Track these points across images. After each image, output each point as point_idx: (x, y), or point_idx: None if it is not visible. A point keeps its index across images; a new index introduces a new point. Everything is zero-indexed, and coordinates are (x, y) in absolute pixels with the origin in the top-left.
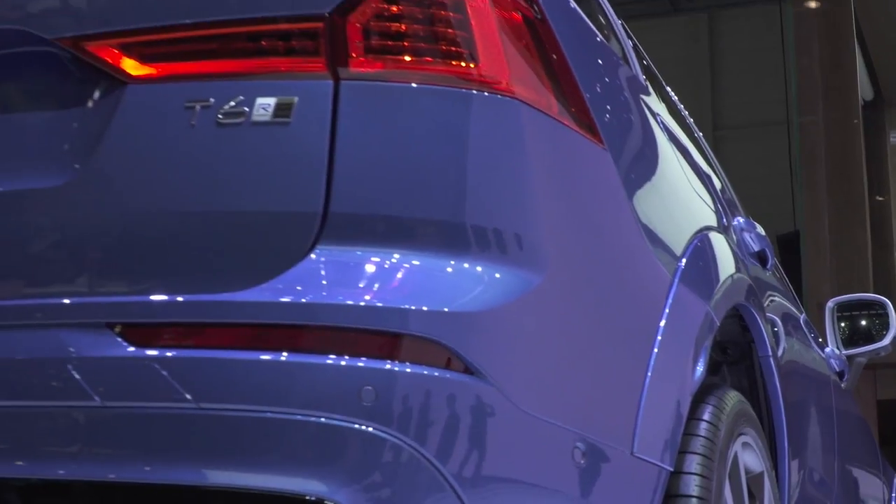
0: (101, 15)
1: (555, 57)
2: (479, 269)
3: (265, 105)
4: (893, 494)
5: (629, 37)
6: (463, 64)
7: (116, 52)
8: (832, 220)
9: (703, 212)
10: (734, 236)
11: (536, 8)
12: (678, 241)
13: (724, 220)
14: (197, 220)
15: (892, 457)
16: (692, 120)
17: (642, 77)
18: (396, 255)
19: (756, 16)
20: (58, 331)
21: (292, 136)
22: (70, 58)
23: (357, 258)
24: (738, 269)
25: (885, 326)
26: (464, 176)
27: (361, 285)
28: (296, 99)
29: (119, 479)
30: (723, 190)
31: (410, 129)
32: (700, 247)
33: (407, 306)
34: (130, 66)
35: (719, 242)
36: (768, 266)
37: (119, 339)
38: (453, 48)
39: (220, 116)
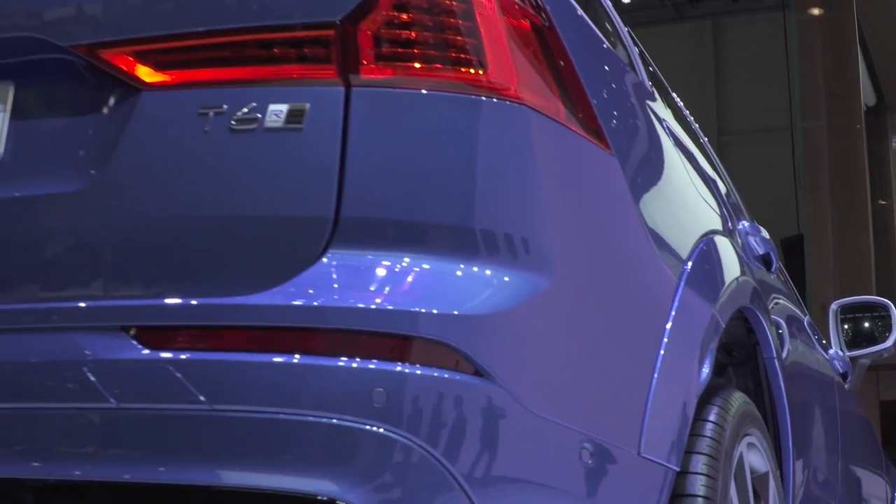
0: (115, 23)
1: (562, 63)
2: (488, 272)
3: (277, 111)
4: None
5: (635, 44)
6: (472, 71)
7: (131, 59)
8: (835, 224)
9: (708, 216)
10: (739, 240)
11: (544, 15)
12: (684, 244)
13: (730, 223)
14: (210, 225)
15: (895, 457)
16: (697, 125)
17: (648, 83)
18: (407, 259)
19: (760, 23)
20: (73, 334)
21: (304, 142)
22: (85, 65)
23: (368, 262)
24: (743, 273)
25: (888, 328)
26: (473, 181)
27: (372, 289)
28: (308, 105)
29: (134, 480)
30: (728, 194)
31: (420, 134)
32: (705, 250)
33: (417, 309)
34: (145, 74)
35: (724, 246)
36: (773, 269)
37: (134, 342)
38: (462, 55)
39: (233, 123)
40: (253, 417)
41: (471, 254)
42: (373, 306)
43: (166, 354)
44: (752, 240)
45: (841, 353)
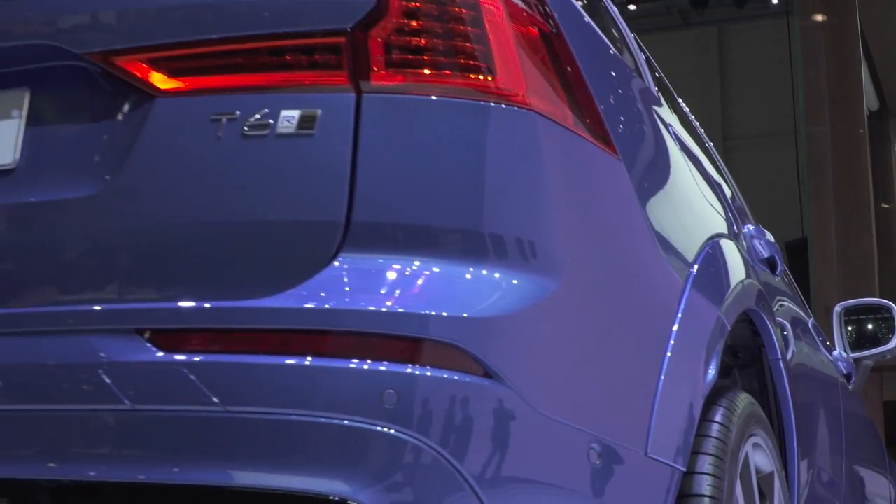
0: (130, 30)
1: (570, 70)
2: (497, 275)
3: (289, 117)
4: None
5: (642, 50)
6: (481, 77)
7: (145, 66)
8: (839, 227)
9: (714, 219)
10: (744, 243)
11: (552, 22)
12: (690, 248)
13: (735, 227)
14: (223, 229)
15: None
16: (703, 130)
17: (655, 89)
18: (417, 263)
19: (764, 29)
20: (89, 336)
21: (316, 147)
22: (100, 72)
23: (379, 265)
24: (748, 275)
25: (891, 330)
26: (482, 185)
27: (383, 292)
28: (319, 111)
29: (148, 481)
30: (733, 198)
31: (430, 140)
32: (711, 253)
33: (427, 312)
34: (159, 80)
35: (730, 249)
36: (777, 272)
37: (148, 345)
38: (472, 62)
39: (245, 128)
40: (265, 419)
41: (480, 257)
42: (383, 309)
43: (180, 357)
44: (757, 243)
45: (845, 354)
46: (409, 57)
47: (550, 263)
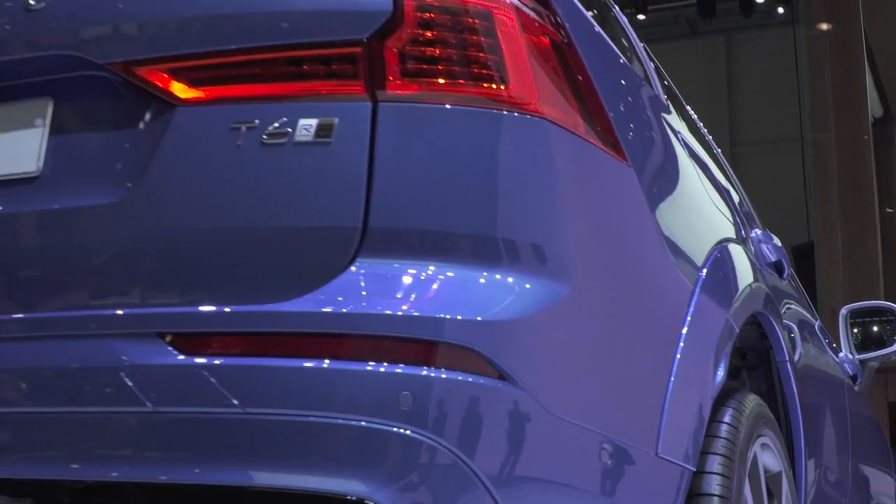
0: (151, 41)
1: (581, 78)
2: (510, 280)
3: (307, 126)
4: None
5: (651, 59)
6: (494, 86)
7: (166, 76)
8: (844, 232)
9: (722, 224)
10: (752, 247)
11: (563, 32)
12: (699, 252)
13: (743, 231)
14: (243, 236)
15: None
16: (711, 137)
17: (664, 97)
18: (432, 267)
19: (771, 38)
20: (111, 340)
21: (333, 155)
22: (122, 82)
23: (395, 270)
24: (756, 279)
25: None
26: (495, 192)
27: (399, 296)
28: (336, 120)
29: (170, 481)
30: (741, 203)
31: (444, 147)
32: (720, 258)
33: (442, 315)
34: (179, 90)
35: (738, 253)
36: (784, 275)
37: (169, 348)
38: (485, 71)
39: (264, 137)
40: (284, 420)
41: (493, 262)
42: (400, 313)
43: (201, 360)
44: (764, 247)
45: (851, 356)
46: (424, 67)
47: (562, 268)
